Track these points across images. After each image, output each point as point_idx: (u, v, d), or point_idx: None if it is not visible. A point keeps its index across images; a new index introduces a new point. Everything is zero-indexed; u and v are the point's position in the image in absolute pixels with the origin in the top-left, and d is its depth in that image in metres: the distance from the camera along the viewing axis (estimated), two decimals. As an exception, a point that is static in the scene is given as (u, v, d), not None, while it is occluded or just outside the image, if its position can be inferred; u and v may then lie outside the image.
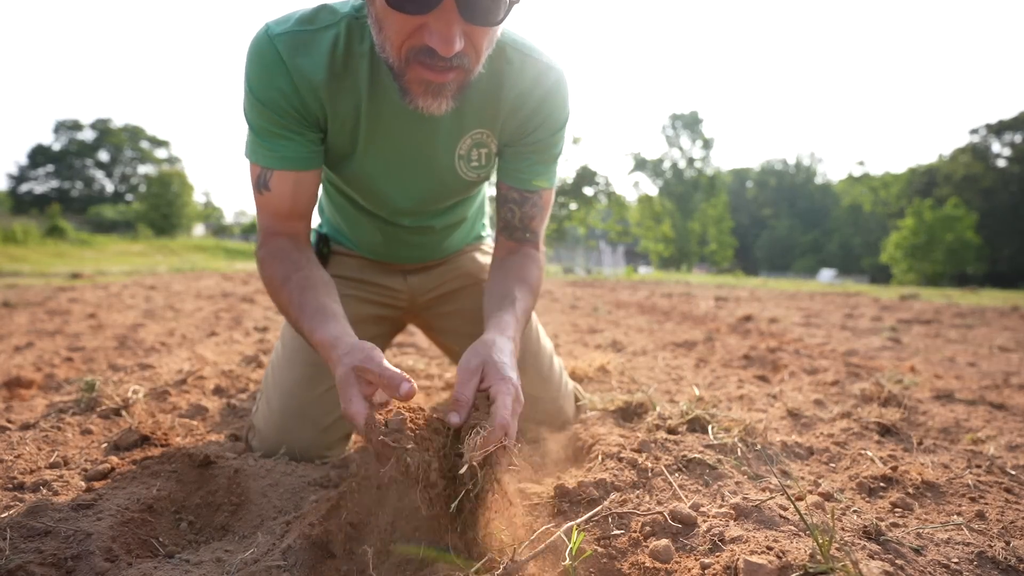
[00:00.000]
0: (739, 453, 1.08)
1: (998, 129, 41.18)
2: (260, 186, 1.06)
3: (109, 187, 51.49)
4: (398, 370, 0.80)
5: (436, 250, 1.39)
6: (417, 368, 2.15)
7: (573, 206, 21.30)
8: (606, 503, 0.86)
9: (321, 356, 0.93)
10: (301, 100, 1.02)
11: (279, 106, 1.01)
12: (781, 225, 56.62)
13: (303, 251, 1.09)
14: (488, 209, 1.55)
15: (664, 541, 0.73)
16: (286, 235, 1.10)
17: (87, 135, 50.16)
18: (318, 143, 1.08)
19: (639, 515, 0.80)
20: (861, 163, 68.28)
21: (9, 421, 1.28)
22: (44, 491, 0.92)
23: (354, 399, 0.79)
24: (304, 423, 1.16)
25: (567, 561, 0.71)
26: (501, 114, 1.10)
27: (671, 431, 1.21)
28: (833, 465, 1.09)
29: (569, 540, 0.74)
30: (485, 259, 1.46)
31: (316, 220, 1.53)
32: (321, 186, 1.40)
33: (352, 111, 1.06)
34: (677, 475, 0.99)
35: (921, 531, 0.79)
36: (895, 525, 0.82)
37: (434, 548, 0.75)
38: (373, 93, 1.04)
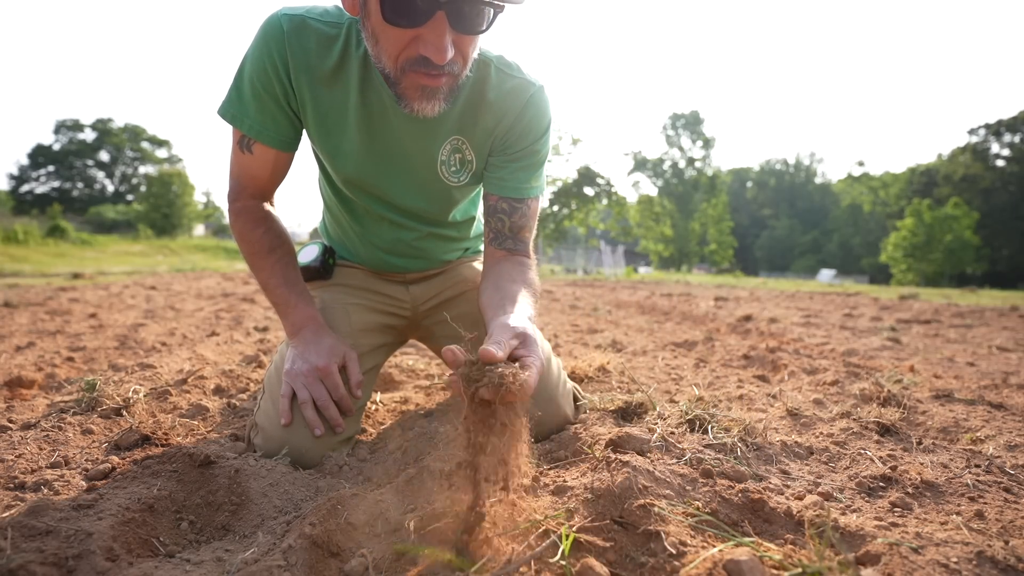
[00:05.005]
0: (739, 453, 1.08)
1: (997, 129, 41.17)
2: (244, 147, 1.16)
3: (110, 187, 51.48)
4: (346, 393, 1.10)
5: (434, 260, 1.42)
6: (417, 368, 2.16)
7: (573, 206, 21.28)
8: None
9: (289, 323, 1.21)
10: (288, 78, 1.09)
11: (268, 77, 1.09)
12: (781, 225, 56.62)
13: (275, 217, 1.25)
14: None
15: (664, 540, 0.73)
16: (260, 197, 1.23)
17: (88, 135, 50.15)
18: (297, 127, 1.18)
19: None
20: (861, 163, 68.21)
21: (10, 421, 1.29)
22: (45, 491, 0.92)
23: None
24: None
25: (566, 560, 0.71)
26: (479, 125, 1.17)
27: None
28: (833, 465, 1.09)
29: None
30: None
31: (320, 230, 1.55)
32: (322, 202, 1.44)
33: (338, 108, 1.12)
34: (677, 475, 0.99)
35: (920, 531, 0.79)
36: (894, 524, 0.82)
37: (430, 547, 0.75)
38: (364, 96, 1.11)
